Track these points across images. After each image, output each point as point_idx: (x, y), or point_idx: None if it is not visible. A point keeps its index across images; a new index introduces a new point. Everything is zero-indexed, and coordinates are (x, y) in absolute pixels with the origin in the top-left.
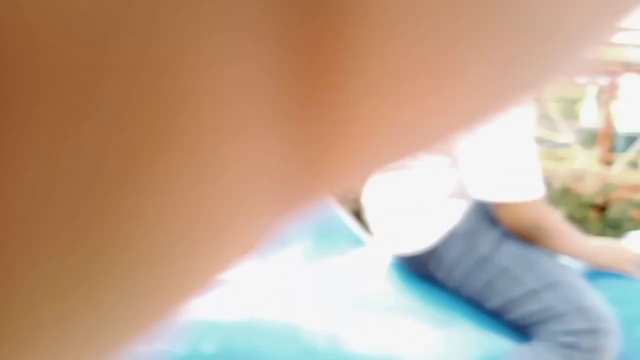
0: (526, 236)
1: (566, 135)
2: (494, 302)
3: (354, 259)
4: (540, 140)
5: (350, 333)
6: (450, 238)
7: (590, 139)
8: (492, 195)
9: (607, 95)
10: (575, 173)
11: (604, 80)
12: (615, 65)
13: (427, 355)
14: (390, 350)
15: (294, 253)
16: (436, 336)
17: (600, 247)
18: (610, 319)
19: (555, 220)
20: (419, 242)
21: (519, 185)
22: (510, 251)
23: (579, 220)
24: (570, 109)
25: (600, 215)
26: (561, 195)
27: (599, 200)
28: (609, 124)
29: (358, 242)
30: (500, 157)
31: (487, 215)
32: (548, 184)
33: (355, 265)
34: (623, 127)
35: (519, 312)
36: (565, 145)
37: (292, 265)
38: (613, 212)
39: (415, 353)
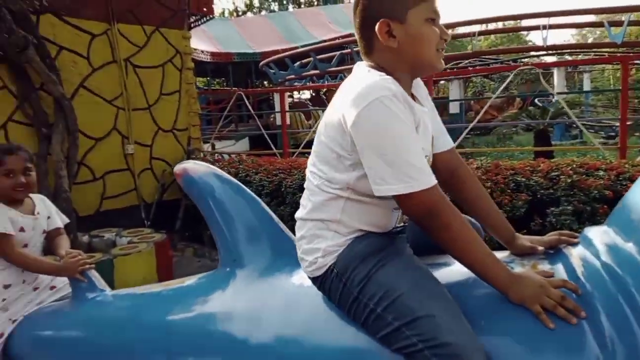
0: (426, 227)
1: None
2: (373, 335)
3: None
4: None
5: None
6: (329, 274)
7: None
8: (388, 190)
9: None
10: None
11: None
12: None
13: None
14: None
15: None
16: None
17: (516, 277)
18: (469, 352)
19: (454, 213)
20: (310, 271)
21: (397, 179)
22: (375, 288)
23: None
24: None
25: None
26: (569, 189)
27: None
28: None
29: None
30: (387, 155)
31: (357, 253)
32: (557, 178)
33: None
34: None
35: (391, 346)
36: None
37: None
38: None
39: None
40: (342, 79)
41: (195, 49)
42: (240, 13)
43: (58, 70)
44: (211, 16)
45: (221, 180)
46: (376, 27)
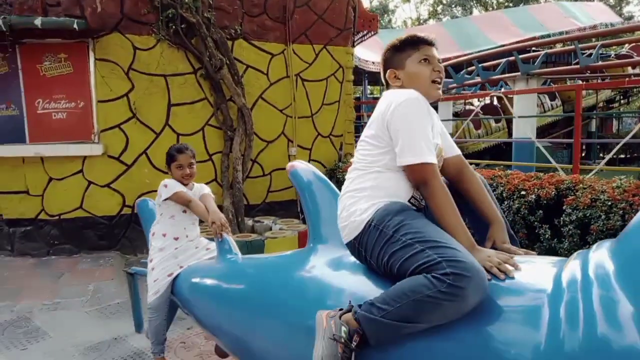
0: (422, 193)
1: None
2: (395, 268)
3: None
4: None
5: None
6: (366, 228)
7: None
8: (405, 161)
9: None
10: None
11: None
12: None
13: None
14: None
15: None
16: None
17: (475, 247)
18: (476, 270)
19: (441, 187)
20: (349, 234)
21: (412, 153)
22: (407, 229)
23: None
24: None
25: None
26: None
27: None
28: None
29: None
30: (403, 136)
31: (392, 209)
32: None
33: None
34: None
35: (410, 268)
36: None
37: None
38: None
39: None
40: (502, 87)
41: (366, 60)
42: (421, 22)
43: (243, 85)
44: (374, 32)
45: (315, 176)
46: (387, 75)
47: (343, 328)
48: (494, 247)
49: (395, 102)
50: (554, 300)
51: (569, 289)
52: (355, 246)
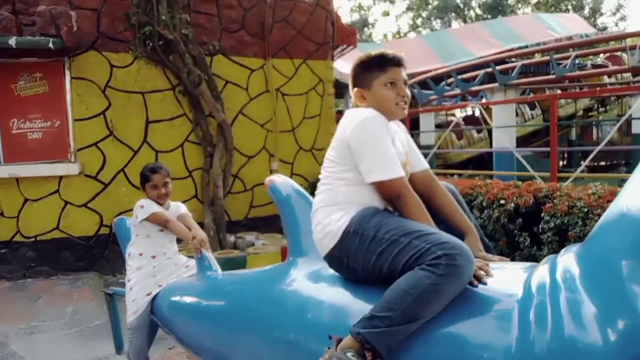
0: (394, 206)
1: None
2: (385, 266)
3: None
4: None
5: None
6: (345, 236)
7: None
8: (373, 177)
9: None
10: None
11: None
12: None
13: None
14: None
15: None
16: None
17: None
18: (461, 246)
19: (412, 196)
20: (327, 245)
21: (380, 170)
22: (388, 227)
23: None
24: None
25: None
26: None
27: None
28: None
29: None
30: (368, 155)
31: (368, 212)
32: None
33: None
34: None
35: (401, 263)
36: None
37: None
38: None
39: None
40: (482, 98)
41: (347, 74)
42: (402, 35)
43: (222, 100)
44: (353, 46)
45: (294, 190)
46: (354, 93)
47: (348, 354)
48: None
49: (355, 122)
50: (524, 304)
51: (538, 293)
52: (335, 256)
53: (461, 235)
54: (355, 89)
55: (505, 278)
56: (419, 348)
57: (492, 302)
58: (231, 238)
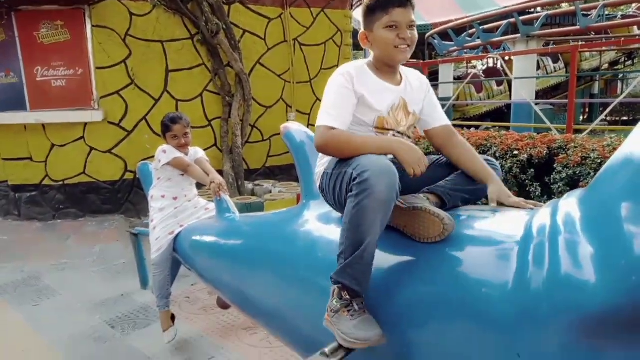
0: (328, 153)
1: None
2: (343, 200)
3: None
4: None
5: None
6: (323, 176)
7: None
8: (317, 122)
9: None
10: None
11: None
12: None
13: None
14: None
15: None
16: None
17: (399, 143)
18: (373, 162)
19: (337, 135)
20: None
21: (320, 117)
22: (344, 164)
23: None
24: None
25: None
26: None
27: None
28: None
29: None
30: (324, 103)
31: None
32: None
33: None
34: None
35: (344, 193)
36: None
37: None
38: None
39: None
40: (504, 50)
41: None
42: None
43: (240, 50)
44: None
45: (308, 137)
46: (359, 36)
47: (334, 302)
48: (501, 204)
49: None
50: (523, 244)
51: (538, 234)
52: (323, 195)
53: (484, 185)
54: (361, 32)
55: (508, 220)
56: (417, 286)
57: (493, 242)
58: (249, 185)
